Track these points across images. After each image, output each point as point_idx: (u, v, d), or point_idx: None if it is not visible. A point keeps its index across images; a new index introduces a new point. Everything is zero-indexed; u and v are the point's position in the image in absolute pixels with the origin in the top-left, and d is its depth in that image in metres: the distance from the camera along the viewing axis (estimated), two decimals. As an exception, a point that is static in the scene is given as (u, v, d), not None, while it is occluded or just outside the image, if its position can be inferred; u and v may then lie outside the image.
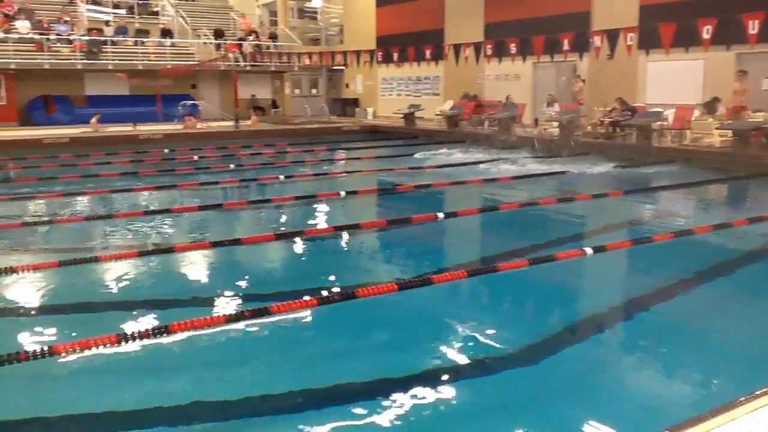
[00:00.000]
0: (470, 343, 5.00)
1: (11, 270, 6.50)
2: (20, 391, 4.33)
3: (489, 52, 22.86)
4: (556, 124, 18.11)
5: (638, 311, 5.95)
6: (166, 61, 26.26)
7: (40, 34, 24.65)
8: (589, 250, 6.88)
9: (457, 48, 23.38)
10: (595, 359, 4.95)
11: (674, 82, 17.45)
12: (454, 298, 6.21)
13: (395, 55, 26.40)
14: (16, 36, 24.25)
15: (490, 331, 5.21)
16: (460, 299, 6.25)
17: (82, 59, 24.78)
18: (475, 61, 23.43)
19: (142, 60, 25.98)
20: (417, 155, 16.78)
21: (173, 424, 3.97)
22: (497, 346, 4.90)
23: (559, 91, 20.10)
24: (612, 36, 18.95)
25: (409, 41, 26.18)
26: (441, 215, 9.13)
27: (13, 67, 23.80)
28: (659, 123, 16.05)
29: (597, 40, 19.38)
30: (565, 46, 20.29)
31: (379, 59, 26.99)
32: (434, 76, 25.89)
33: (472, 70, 23.67)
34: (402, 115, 23.68)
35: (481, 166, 14.67)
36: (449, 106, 22.78)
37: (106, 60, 25.25)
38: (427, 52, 25.41)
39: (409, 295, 5.85)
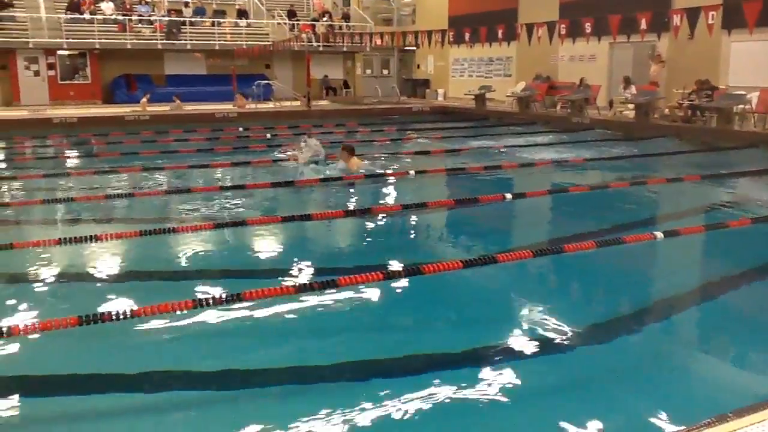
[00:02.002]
0: (533, 323, 5.01)
1: (96, 238, 6.90)
2: (104, 350, 4.62)
3: (563, 31, 22.33)
4: (631, 106, 17.65)
5: (708, 298, 5.83)
6: (241, 41, 26.83)
7: (123, 14, 25.57)
8: (659, 235, 6.76)
9: (530, 28, 22.90)
10: (661, 345, 4.89)
11: (759, 64, 16.69)
12: (519, 278, 6.23)
13: (467, 36, 26.12)
14: (101, 17, 25.25)
15: (553, 312, 5.20)
16: (525, 279, 6.26)
17: (162, 39, 25.59)
18: (548, 41, 22.90)
19: (219, 40, 26.63)
20: (486, 136, 16.67)
21: (242, 387, 4.17)
22: (560, 327, 4.89)
23: (636, 72, 19.52)
24: (693, 14, 18.19)
25: (481, 21, 25.84)
26: (509, 196, 9.10)
27: (97, 47, 24.81)
28: (741, 106, 15.42)
29: (676, 19, 18.65)
30: (643, 26, 19.61)
31: (451, 39, 26.72)
32: (506, 56, 25.56)
33: (545, 51, 23.23)
34: (473, 97, 23.51)
35: (551, 147, 14.48)
36: (521, 88, 22.48)
37: (185, 40, 26.00)
38: (500, 32, 25.01)
39: (473, 273, 5.90)
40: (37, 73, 25.04)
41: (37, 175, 11.46)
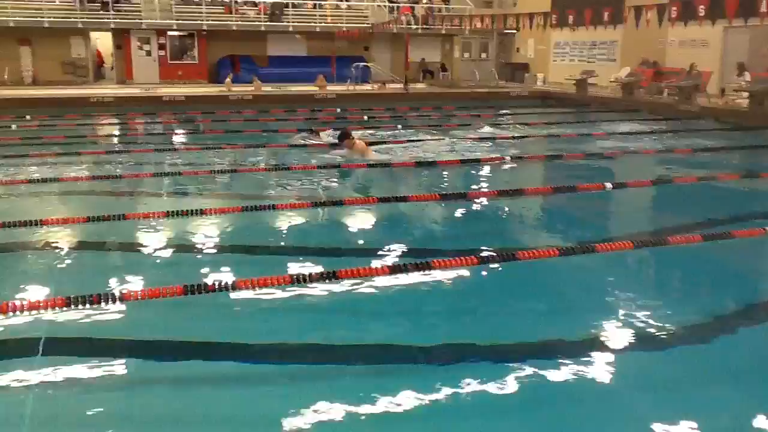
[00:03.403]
0: (629, 316, 4.86)
1: (201, 212, 7.21)
2: (204, 318, 4.84)
3: (674, 14, 21.29)
4: (745, 94, 16.67)
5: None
6: (341, 23, 27.13)
7: (230, -3, 26.39)
8: (773, 230, 6.40)
9: (638, 10, 21.97)
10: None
11: None
12: (617, 269, 6.04)
13: (570, 18, 25.37)
14: (209, -1, 26.16)
15: (651, 306, 5.02)
16: (624, 270, 6.06)
17: (265, 21, 26.23)
18: (657, 24, 21.90)
19: (320, 22, 27.03)
20: (587, 123, 16.21)
21: (331, 363, 4.26)
22: (658, 322, 4.72)
23: (752, 58, 18.40)
24: (822, -3, 16.96)
25: (586, 3, 25.02)
26: (609, 185, 8.83)
27: (205, 28, 25.72)
28: None
29: (802, 2, 17.44)
30: (763, 8, 18.42)
31: (554, 22, 26.04)
32: (611, 40, 24.66)
33: (653, 35, 22.23)
34: (574, 82, 22.87)
35: (656, 136, 13.92)
36: (625, 73, 21.67)
37: (287, 22, 26.54)
38: (605, 15, 24.16)
39: (570, 261, 5.78)
40: (148, 53, 26.25)
41: (147, 150, 12.06)
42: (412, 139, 13.03)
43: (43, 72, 24.93)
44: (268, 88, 22.56)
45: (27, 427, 3.49)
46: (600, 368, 4.07)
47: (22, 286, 5.19)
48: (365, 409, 3.56)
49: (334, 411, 3.55)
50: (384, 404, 3.60)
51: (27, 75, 24.76)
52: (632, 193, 8.91)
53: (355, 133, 11.15)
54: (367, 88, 23.82)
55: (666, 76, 20.44)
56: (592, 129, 14.94)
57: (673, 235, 6.42)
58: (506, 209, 8.36)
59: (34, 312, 4.55)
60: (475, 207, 8.28)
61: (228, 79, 22.93)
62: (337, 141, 10.82)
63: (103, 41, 27.96)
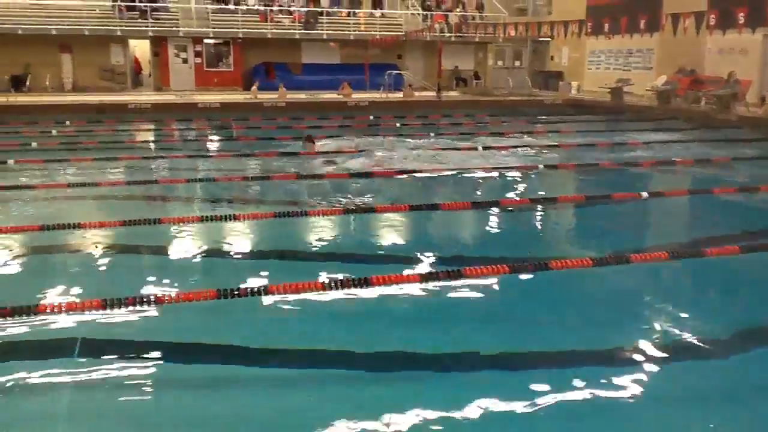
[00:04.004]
0: (662, 328, 4.79)
1: (234, 217, 7.28)
2: (237, 322, 4.88)
3: (712, 22, 20.95)
4: (786, 103, 16.33)
5: None
6: (375, 31, 27.24)
7: (265, 5, 26.65)
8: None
9: (675, 18, 21.68)
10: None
11: None
12: (652, 280, 5.95)
13: (606, 26, 25.12)
14: (245, 7, 26.46)
15: (685, 318, 4.95)
16: (658, 281, 5.97)
17: (299, 29, 26.46)
18: (695, 32, 21.59)
19: (354, 30, 27.16)
20: (622, 131, 16.01)
21: (361, 369, 4.27)
22: (693, 334, 4.63)
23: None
24: None
25: (622, 11, 24.77)
26: (645, 194, 8.71)
27: (240, 36, 26.03)
28: None
29: None
30: (805, 16, 18.04)
31: (589, 30, 25.82)
32: (647, 48, 24.34)
33: (691, 42, 21.90)
34: (608, 90, 22.62)
35: (693, 145, 13.69)
36: (662, 81, 21.35)
37: (321, 30, 26.73)
38: (642, 23, 23.87)
39: (604, 272, 5.71)
40: (185, 61, 26.63)
41: (182, 156, 12.23)
42: (444, 147, 13.01)
43: (83, 79, 25.45)
44: (298, 95, 22.74)
45: (62, 425, 3.55)
46: (633, 381, 4.00)
47: (60, 288, 5.29)
48: (395, 418, 3.55)
49: (362, 416, 3.56)
50: (412, 411, 3.59)
51: (67, 82, 25.29)
52: (669, 202, 8.77)
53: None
54: (399, 95, 23.86)
55: (704, 85, 20.10)
56: (628, 137, 14.74)
57: (711, 246, 6.30)
58: (539, 217, 8.29)
59: (71, 312, 4.64)
60: (507, 215, 8.23)
61: (254, 87, 23.19)
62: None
63: (141, 49, 28.45)
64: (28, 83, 23.70)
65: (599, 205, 8.55)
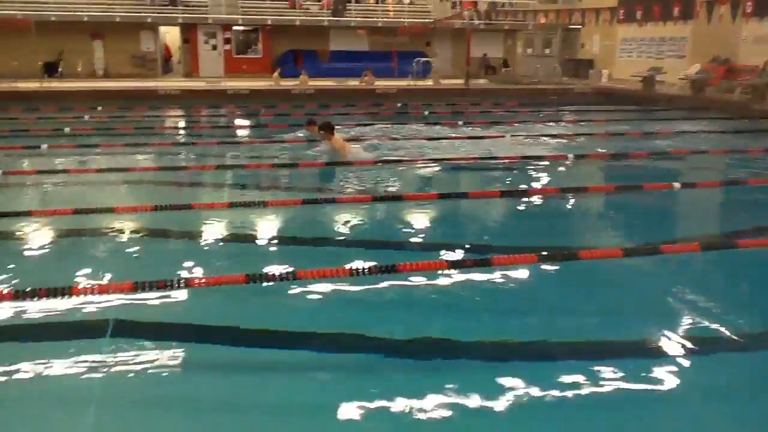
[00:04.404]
0: (694, 321, 4.71)
1: (263, 203, 7.33)
2: (265, 306, 4.92)
3: (748, 9, 20.47)
4: (825, 93, 15.94)
5: None
6: (403, 19, 27.12)
7: (294, -8, 26.72)
8: None
9: (710, 5, 21.24)
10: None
11: None
12: (682, 271, 5.86)
13: (638, 13, 24.70)
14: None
15: (715, 311, 4.87)
16: (688, 273, 5.87)
17: (328, 16, 26.45)
18: (731, 19, 21.14)
19: (382, 17, 27.08)
20: (654, 120, 15.77)
21: (384, 355, 4.28)
22: (724, 327, 4.56)
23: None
24: None
25: (656, -2, 24.33)
26: (677, 185, 8.58)
27: (269, 23, 26.11)
28: None
29: None
30: None
31: (621, 18, 25.40)
32: (680, 36, 23.89)
33: (726, 31, 21.45)
34: (640, 79, 22.27)
35: (727, 135, 13.44)
36: (695, 70, 20.96)
37: (350, 17, 26.69)
38: (675, 10, 23.42)
39: (634, 262, 5.65)
40: (214, 47, 26.81)
41: (212, 142, 12.32)
42: (472, 135, 12.93)
43: (114, 65, 25.75)
44: (324, 82, 22.76)
45: (94, 405, 3.62)
46: (662, 373, 3.96)
47: (92, 271, 5.37)
48: (415, 403, 3.56)
49: (383, 403, 3.57)
50: (434, 399, 3.59)
51: (99, 68, 25.62)
52: (701, 193, 8.63)
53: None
54: (428, 83, 23.76)
55: (739, 74, 19.68)
56: (660, 127, 14.52)
57: (744, 238, 6.19)
58: (569, 207, 8.22)
59: (103, 295, 4.71)
60: (537, 204, 8.16)
61: (275, 74, 23.27)
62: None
63: (171, 35, 28.69)
64: (60, 69, 24.06)
65: (631, 194, 8.44)
